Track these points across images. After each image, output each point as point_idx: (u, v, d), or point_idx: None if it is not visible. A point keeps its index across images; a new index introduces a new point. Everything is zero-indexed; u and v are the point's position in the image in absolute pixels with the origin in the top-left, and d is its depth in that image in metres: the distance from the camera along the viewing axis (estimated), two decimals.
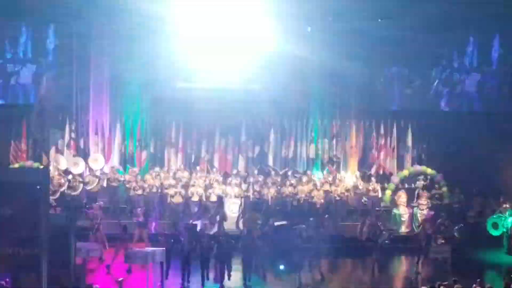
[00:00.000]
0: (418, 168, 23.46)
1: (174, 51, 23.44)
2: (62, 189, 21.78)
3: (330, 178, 22.93)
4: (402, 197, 22.27)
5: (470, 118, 24.24)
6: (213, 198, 21.67)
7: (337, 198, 22.26)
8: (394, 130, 24.14)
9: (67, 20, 22.97)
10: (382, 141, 24.01)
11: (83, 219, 18.89)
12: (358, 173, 23.49)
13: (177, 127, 23.80)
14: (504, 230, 20.66)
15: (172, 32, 23.31)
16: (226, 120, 23.80)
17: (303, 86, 23.97)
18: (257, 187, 22.21)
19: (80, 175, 22.68)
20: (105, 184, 22.25)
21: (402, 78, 24.62)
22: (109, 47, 23.41)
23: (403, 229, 21.83)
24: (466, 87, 24.64)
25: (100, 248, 17.51)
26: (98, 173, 22.71)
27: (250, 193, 22.02)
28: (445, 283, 13.04)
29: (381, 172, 23.94)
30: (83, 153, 23.26)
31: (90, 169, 22.95)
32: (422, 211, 21.74)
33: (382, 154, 23.98)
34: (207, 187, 22.15)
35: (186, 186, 22.15)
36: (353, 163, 23.97)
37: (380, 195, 22.72)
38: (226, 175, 23.07)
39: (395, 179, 23.27)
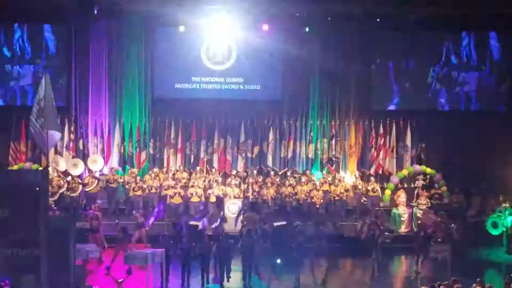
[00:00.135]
0: (417, 167, 23.46)
1: (173, 52, 23.45)
2: (61, 191, 21.80)
3: (329, 178, 22.94)
4: (401, 196, 22.27)
5: (469, 117, 24.25)
6: (213, 199, 21.68)
7: (337, 198, 22.28)
8: (393, 129, 24.13)
9: (66, 21, 22.98)
10: (381, 141, 24.01)
11: (82, 220, 18.90)
12: (357, 173, 23.49)
13: (176, 127, 23.79)
14: (504, 229, 20.66)
15: (171, 32, 23.31)
16: (224, 121, 23.81)
17: (301, 86, 24.00)
18: (256, 188, 22.23)
19: (79, 176, 22.70)
20: (105, 185, 22.25)
21: (401, 78, 24.60)
22: (108, 48, 23.42)
23: (403, 229, 21.82)
24: (465, 86, 24.63)
25: (99, 249, 17.50)
26: (97, 174, 22.72)
27: (250, 194, 22.04)
28: (445, 282, 13.03)
29: (380, 171, 23.94)
30: (82, 155, 23.26)
31: (89, 171, 22.96)
32: (422, 210, 21.73)
33: (381, 153, 23.97)
34: (206, 188, 22.17)
35: (185, 187, 22.17)
36: (352, 163, 23.97)
37: (379, 195, 22.73)
38: (225, 176, 23.07)
39: (395, 178, 23.28)
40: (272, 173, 23.19)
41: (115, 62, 23.53)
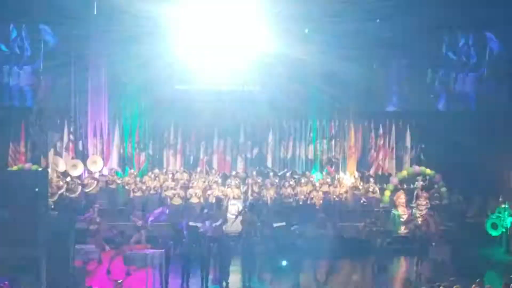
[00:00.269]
0: (417, 168, 23.45)
1: (172, 53, 23.45)
2: (60, 192, 21.77)
3: (329, 179, 22.93)
4: (401, 197, 22.25)
5: (469, 118, 24.23)
6: (212, 200, 21.68)
7: (336, 199, 22.26)
8: (393, 130, 24.14)
9: (65, 22, 22.96)
10: (381, 142, 24.01)
11: (81, 221, 18.87)
12: (357, 174, 23.49)
13: (176, 128, 23.79)
14: (504, 230, 20.65)
15: (170, 33, 23.31)
16: (224, 122, 23.81)
17: (301, 87, 23.97)
18: (256, 189, 22.21)
19: (79, 177, 22.69)
20: (104, 186, 22.23)
21: (401, 79, 24.61)
22: (107, 49, 23.41)
23: (402, 230, 21.80)
24: (464, 87, 24.63)
25: (99, 250, 17.48)
26: (97, 175, 22.70)
27: (249, 195, 22.03)
28: (445, 283, 13.02)
29: (380, 172, 23.94)
30: (82, 155, 23.25)
31: (89, 171, 22.94)
32: (421, 211, 21.72)
33: (380, 154, 23.98)
34: (206, 189, 22.15)
35: (185, 188, 22.15)
36: (352, 163, 23.97)
37: (379, 196, 22.72)
38: (225, 177, 23.06)
39: (394, 179, 23.26)
40: (271, 174, 23.18)
41: (115, 62, 23.51)
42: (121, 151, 23.53)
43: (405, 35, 23.50)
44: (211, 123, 23.79)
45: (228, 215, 20.80)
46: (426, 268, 18.01)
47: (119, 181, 22.43)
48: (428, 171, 23.22)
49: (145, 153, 23.54)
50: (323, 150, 23.93)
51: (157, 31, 23.37)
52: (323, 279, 17.10)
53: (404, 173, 23.42)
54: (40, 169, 21.30)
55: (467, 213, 22.27)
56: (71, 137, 23.24)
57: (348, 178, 23.49)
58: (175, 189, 21.94)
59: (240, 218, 19.71)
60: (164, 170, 23.22)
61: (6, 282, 12.75)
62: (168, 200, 21.73)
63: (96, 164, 23.02)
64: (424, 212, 21.57)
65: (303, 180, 22.64)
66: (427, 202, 22.00)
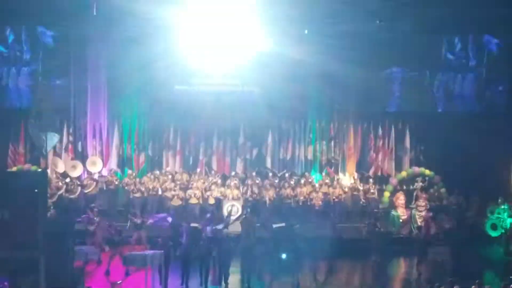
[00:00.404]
0: (416, 169, 23.45)
1: (171, 53, 23.43)
2: (60, 192, 21.78)
3: (328, 180, 22.93)
4: (400, 198, 22.27)
5: (468, 119, 24.24)
6: (211, 201, 21.68)
7: (336, 200, 22.27)
8: (392, 131, 24.14)
9: (65, 23, 22.97)
10: (380, 143, 24.02)
11: (80, 222, 18.85)
12: (356, 175, 23.49)
13: (175, 129, 23.79)
14: (503, 231, 20.67)
15: (169, 34, 23.28)
16: (224, 123, 23.81)
17: (300, 88, 23.97)
18: (255, 189, 22.21)
19: (78, 178, 22.69)
20: (104, 187, 22.23)
21: (399, 80, 24.63)
22: (106, 50, 23.43)
23: (402, 231, 21.80)
24: (463, 88, 24.66)
25: (98, 251, 17.47)
26: (96, 176, 22.70)
27: (248, 196, 22.03)
28: (444, 284, 13.02)
29: (379, 173, 23.94)
30: (81, 156, 23.25)
31: (88, 172, 22.94)
32: (421, 212, 21.73)
33: (380, 155, 23.98)
34: (205, 190, 22.15)
35: (184, 189, 22.15)
36: (351, 164, 23.97)
37: (378, 197, 22.72)
38: (224, 178, 23.06)
39: (393, 180, 23.26)
40: (270, 174, 23.18)
41: (114, 63, 23.51)
42: (121, 152, 23.53)
43: (404, 36, 23.50)
44: (211, 124, 23.80)
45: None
46: (426, 269, 18.01)
47: (116, 183, 22.40)
48: (427, 172, 23.22)
49: (145, 154, 23.53)
50: (323, 151, 23.93)
51: (157, 32, 23.35)
52: (322, 280, 17.09)
53: (404, 174, 23.42)
54: (39, 170, 21.31)
55: (466, 214, 22.26)
56: (71, 138, 23.25)
57: (348, 179, 23.51)
58: (174, 190, 21.94)
59: (239, 219, 19.69)
60: (164, 171, 23.21)
61: (6, 283, 12.75)
62: (168, 201, 21.72)
63: (95, 165, 23.03)
64: (423, 213, 21.59)
65: (302, 181, 22.65)
66: (426, 203, 22.01)
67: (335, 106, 24.19)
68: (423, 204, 21.95)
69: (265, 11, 22.29)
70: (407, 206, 22.21)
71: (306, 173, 23.35)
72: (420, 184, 22.92)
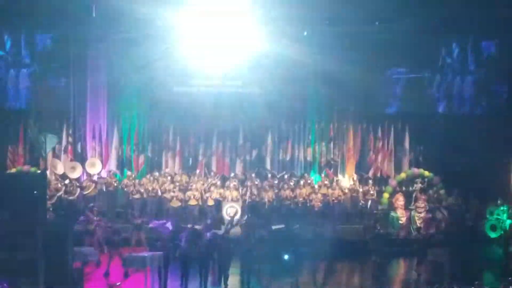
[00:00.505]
0: (415, 170, 23.46)
1: (170, 55, 23.45)
2: (59, 194, 21.76)
3: (327, 181, 22.93)
4: (399, 200, 22.27)
5: (467, 120, 24.27)
6: (211, 202, 21.68)
7: (335, 201, 22.27)
8: (392, 133, 24.15)
9: (64, 24, 22.95)
10: (380, 144, 24.02)
11: (79, 223, 18.85)
12: (355, 176, 23.49)
13: (175, 130, 23.79)
14: (502, 232, 20.68)
15: (168, 35, 23.31)
16: (223, 124, 23.81)
17: (300, 89, 24.01)
18: (254, 191, 22.21)
19: (77, 179, 22.67)
20: (103, 189, 22.21)
21: (399, 81, 24.64)
22: (105, 51, 23.43)
23: (401, 232, 21.80)
24: (463, 90, 24.68)
25: (97, 252, 17.46)
26: (95, 178, 22.68)
27: (248, 197, 22.03)
28: (444, 285, 13.02)
29: (378, 175, 23.94)
30: (80, 158, 23.23)
31: (88, 174, 22.92)
32: (420, 213, 21.73)
33: (379, 157, 23.99)
34: (204, 191, 22.14)
35: (183, 190, 22.14)
36: (351, 166, 23.97)
37: (377, 198, 22.72)
38: (223, 179, 23.05)
39: (393, 182, 23.27)
40: (269, 176, 23.18)
41: (113, 65, 23.51)
42: (120, 153, 23.52)
43: (404, 37, 23.51)
44: (210, 125, 23.80)
45: (227, 217, 20.84)
46: (425, 270, 17.99)
47: (117, 184, 22.39)
48: (426, 173, 23.23)
49: (144, 155, 23.52)
50: (322, 152, 23.93)
51: (156, 33, 23.38)
52: (322, 281, 17.08)
53: (403, 175, 23.42)
54: (38, 171, 21.29)
55: (466, 215, 22.26)
56: (70, 139, 23.24)
57: (347, 180, 23.52)
58: (173, 192, 21.93)
59: (239, 220, 19.68)
60: (163, 172, 23.20)
61: (5, 285, 12.73)
62: (167, 202, 21.72)
63: (94, 167, 23.01)
64: (422, 214, 21.61)
65: (302, 182, 22.65)
66: (425, 204, 22.03)
67: (334, 107, 24.18)
68: (423, 205, 21.97)
69: (264, 12, 22.33)
70: (407, 207, 22.22)
71: (306, 174, 23.35)
72: (420, 185, 22.93)
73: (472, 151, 22.96)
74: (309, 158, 23.98)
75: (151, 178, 22.54)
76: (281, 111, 24.12)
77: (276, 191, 22.32)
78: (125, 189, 22.22)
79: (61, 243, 13.82)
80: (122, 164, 23.46)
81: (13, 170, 22.31)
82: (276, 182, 22.78)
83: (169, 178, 22.64)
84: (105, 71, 23.60)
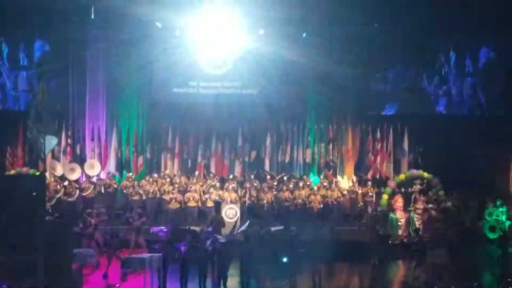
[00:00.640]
0: (414, 172, 23.45)
1: (169, 56, 23.45)
2: (58, 196, 21.75)
3: (326, 183, 22.92)
4: (398, 201, 22.27)
5: (466, 121, 24.27)
6: (210, 204, 21.67)
7: (334, 202, 22.26)
8: (391, 134, 24.15)
9: (63, 25, 22.95)
10: (379, 145, 24.01)
11: (79, 225, 18.84)
12: (354, 178, 23.48)
13: (174, 132, 23.78)
14: (501, 233, 20.69)
15: (167, 36, 23.31)
16: (222, 125, 23.81)
17: (299, 91, 24.02)
18: (254, 192, 22.20)
19: (77, 181, 22.66)
20: (102, 190, 22.20)
21: (398, 82, 24.66)
22: (104, 52, 23.42)
23: (400, 233, 21.80)
24: (462, 91, 24.69)
25: (96, 254, 17.45)
26: (94, 179, 22.67)
27: (247, 198, 22.02)
28: (443, 286, 13.04)
29: (377, 176, 23.93)
30: (79, 159, 23.22)
31: (87, 175, 22.91)
32: (419, 215, 21.74)
33: (378, 158, 23.98)
34: (203, 193, 22.13)
35: (183, 192, 22.13)
36: (350, 167, 23.97)
37: (376, 200, 22.71)
38: (222, 180, 23.04)
39: (392, 183, 23.25)
40: (268, 177, 23.17)
41: (112, 66, 23.51)
42: (119, 154, 23.50)
43: (403, 39, 23.55)
44: (209, 126, 23.79)
45: (226, 219, 20.86)
46: (424, 271, 18.01)
47: (116, 185, 22.38)
48: (425, 174, 23.22)
49: (143, 156, 23.51)
50: (321, 154, 23.92)
51: (154, 34, 23.39)
52: (321, 283, 17.07)
53: (402, 176, 23.42)
54: (37, 173, 21.25)
55: (465, 216, 22.27)
56: (69, 141, 23.22)
57: (346, 181, 23.50)
58: (172, 193, 21.92)
59: (238, 222, 19.68)
60: (162, 174, 23.18)
61: (5, 286, 12.73)
62: (167, 205, 21.71)
63: (93, 168, 22.99)
64: (422, 215, 21.60)
65: (301, 184, 22.64)
66: (424, 206, 22.02)
67: (333, 108, 24.17)
68: (422, 206, 21.96)
69: (264, 14, 22.35)
70: (406, 208, 22.21)
71: (305, 176, 23.33)
72: (419, 186, 22.90)
73: (471, 153, 22.97)
74: (308, 159, 23.97)
75: (150, 179, 22.53)
76: (280, 112, 24.12)
77: (275, 192, 22.31)
78: (124, 191, 22.20)
79: (60, 244, 13.81)
80: (121, 165, 23.44)
81: (12, 172, 22.30)
82: (275, 183, 22.77)
83: (168, 179, 22.63)
84: (104, 72, 23.59)
